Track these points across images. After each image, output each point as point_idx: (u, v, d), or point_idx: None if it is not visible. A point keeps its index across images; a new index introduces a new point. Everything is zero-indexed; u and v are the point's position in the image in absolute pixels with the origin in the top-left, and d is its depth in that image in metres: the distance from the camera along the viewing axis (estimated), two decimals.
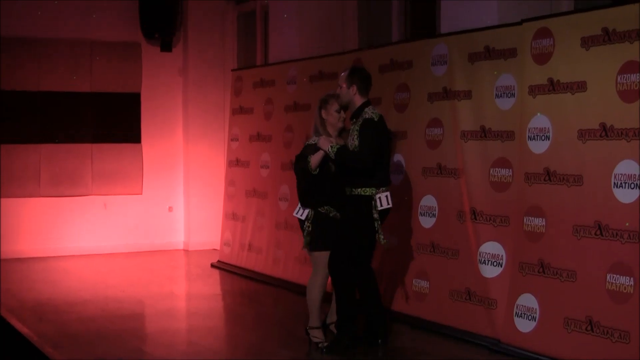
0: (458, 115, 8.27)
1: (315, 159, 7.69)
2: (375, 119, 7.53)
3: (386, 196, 7.56)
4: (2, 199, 13.18)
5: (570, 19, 7.14)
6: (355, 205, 7.61)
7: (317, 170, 7.72)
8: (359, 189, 7.57)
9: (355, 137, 7.53)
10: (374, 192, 7.54)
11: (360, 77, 7.69)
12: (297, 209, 8.03)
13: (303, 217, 7.93)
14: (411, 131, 8.91)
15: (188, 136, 14.20)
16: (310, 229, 7.90)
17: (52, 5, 13.46)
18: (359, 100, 7.65)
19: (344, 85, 7.67)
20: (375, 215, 7.54)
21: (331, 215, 7.83)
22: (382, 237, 7.56)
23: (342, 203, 7.73)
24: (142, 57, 14.10)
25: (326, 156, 7.62)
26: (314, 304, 7.94)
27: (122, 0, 13.87)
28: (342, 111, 7.79)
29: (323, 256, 7.83)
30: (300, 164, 7.86)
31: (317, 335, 7.94)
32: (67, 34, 13.58)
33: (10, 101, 13.22)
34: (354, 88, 7.64)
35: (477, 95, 8.09)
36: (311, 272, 8.03)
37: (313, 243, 7.91)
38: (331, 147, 7.53)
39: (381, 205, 7.54)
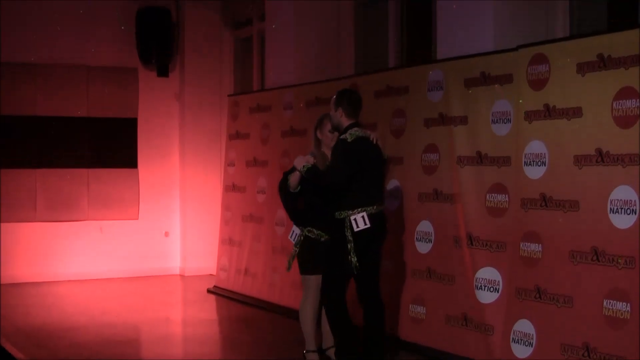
0: (454, 140, 8.28)
1: (293, 179, 7.84)
2: (349, 140, 7.52)
3: (362, 216, 7.48)
4: None
5: (566, 45, 7.16)
6: (333, 229, 7.63)
7: (298, 188, 7.82)
8: (336, 212, 7.58)
9: None
10: (347, 214, 7.51)
11: (346, 99, 7.72)
12: (291, 232, 8.13)
13: (294, 241, 8.03)
14: (407, 157, 8.92)
15: (184, 161, 14.21)
16: (296, 252, 8.00)
17: (49, 31, 13.49)
18: (345, 122, 7.69)
19: (332, 108, 7.75)
20: (349, 237, 7.49)
21: (322, 240, 7.87)
22: (354, 259, 7.46)
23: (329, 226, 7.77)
24: (139, 83, 14.12)
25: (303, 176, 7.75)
26: (306, 328, 7.99)
27: (118, 26, 13.91)
28: (335, 132, 7.85)
29: (312, 280, 7.90)
30: (281, 182, 8.04)
31: (313, 359, 7.94)
32: (64, 59, 13.61)
33: (7, 126, 13.23)
34: (340, 110, 7.69)
35: (473, 121, 8.10)
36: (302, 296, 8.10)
37: (302, 266, 7.99)
38: (303, 166, 7.62)
39: (357, 227, 7.48)
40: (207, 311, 11.38)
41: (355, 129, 7.63)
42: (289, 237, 8.19)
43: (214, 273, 12.98)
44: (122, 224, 13.99)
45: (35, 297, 12.14)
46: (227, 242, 12.36)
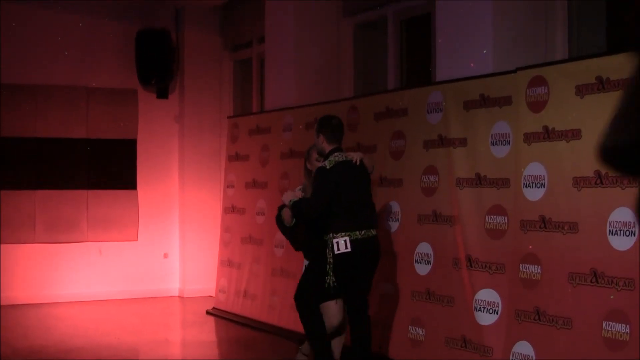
0: (453, 162, 8.29)
1: (286, 215, 8.05)
2: (328, 167, 7.74)
3: (344, 241, 7.66)
4: None
5: (565, 68, 7.19)
6: (320, 249, 7.82)
7: (293, 222, 8.00)
8: (324, 235, 7.79)
9: None
10: (330, 236, 7.70)
11: (326, 125, 7.94)
12: (304, 267, 8.25)
13: None
14: (406, 178, 8.93)
15: (184, 183, 14.22)
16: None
17: (49, 52, 13.53)
18: (327, 148, 7.91)
19: (315, 135, 7.99)
20: (330, 259, 7.67)
21: None
22: (332, 279, 7.68)
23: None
24: (139, 104, 14.16)
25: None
26: None
27: (118, 47, 13.96)
28: (322, 158, 8.00)
29: (324, 307, 8.03)
30: (277, 217, 8.23)
31: None
32: (63, 80, 13.65)
33: (6, 147, 13.25)
34: (322, 137, 7.92)
35: (473, 143, 8.11)
36: None
37: None
38: (290, 200, 7.85)
39: (338, 249, 7.66)
40: (206, 333, 11.36)
41: (336, 154, 7.85)
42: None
43: (213, 295, 12.96)
44: (121, 245, 13.98)
45: (34, 319, 12.12)
46: (227, 263, 12.35)
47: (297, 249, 8.32)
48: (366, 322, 7.82)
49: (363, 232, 7.70)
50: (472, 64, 8.49)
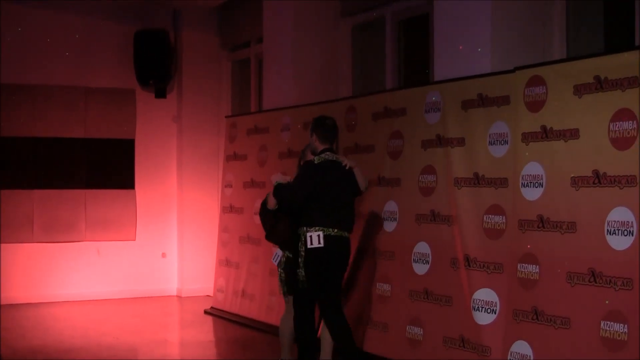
0: (451, 162, 8.30)
1: (270, 197, 8.17)
2: (316, 162, 7.98)
3: (318, 235, 7.82)
4: None
5: (563, 67, 7.19)
6: (294, 244, 8.03)
7: (276, 206, 8.07)
8: (298, 228, 7.97)
9: None
10: (304, 230, 7.89)
11: (320, 126, 8.16)
12: (274, 255, 8.36)
13: (277, 263, 8.28)
14: (405, 178, 8.93)
15: (182, 182, 14.22)
16: (283, 276, 8.31)
17: (48, 53, 13.53)
18: (319, 147, 8.14)
19: (309, 134, 8.20)
20: (302, 252, 7.87)
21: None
22: (302, 273, 7.88)
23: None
24: (137, 104, 14.15)
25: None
26: (283, 339, 8.50)
27: (117, 48, 13.95)
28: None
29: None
30: (263, 202, 8.43)
31: None
32: (62, 80, 13.64)
33: (5, 147, 13.24)
34: (315, 136, 8.15)
35: (471, 143, 8.12)
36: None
37: (286, 286, 8.35)
38: (276, 182, 8.03)
39: (311, 244, 7.82)
40: (205, 333, 11.36)
41: (327, 153, 8.04)
42: (272, 260, 8.47)
43: (211, 294, 12.97)
44: (119, 245, 13.98)
45: (33, 319, 12.11)
46: (225, 263, 12.36)
47: (268, 237, 8.40)
48: (342, 318, 7.94)
49: (336, 230, 7.89)
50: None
